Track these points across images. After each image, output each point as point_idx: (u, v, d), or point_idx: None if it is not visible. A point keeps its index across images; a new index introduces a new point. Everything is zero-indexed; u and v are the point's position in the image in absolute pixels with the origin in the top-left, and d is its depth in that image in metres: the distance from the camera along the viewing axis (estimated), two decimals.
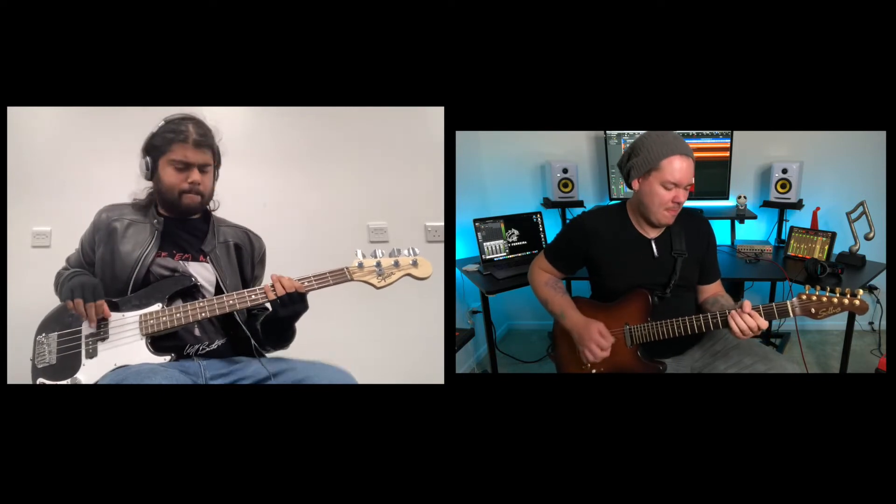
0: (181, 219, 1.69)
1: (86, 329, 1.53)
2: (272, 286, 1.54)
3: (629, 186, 1.74)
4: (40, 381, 1.50)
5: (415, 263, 1.59)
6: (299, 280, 1.55)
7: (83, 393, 1.48)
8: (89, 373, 1.49)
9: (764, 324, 1.51)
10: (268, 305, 1.65)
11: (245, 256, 1.76)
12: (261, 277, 1.82)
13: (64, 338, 1.54)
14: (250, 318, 1.73)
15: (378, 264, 1.57)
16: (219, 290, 1.65)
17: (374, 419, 1.50)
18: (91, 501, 1.42)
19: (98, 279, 1.58)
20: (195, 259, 1.67)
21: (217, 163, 1.69)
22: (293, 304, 1.55)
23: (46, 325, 1.58)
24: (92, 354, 1.51)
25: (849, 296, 1.48)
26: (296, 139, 2.47)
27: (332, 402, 1.51)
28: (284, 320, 1.60)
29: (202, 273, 1.66)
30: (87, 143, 2.39)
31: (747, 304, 1.52)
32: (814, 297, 1.50)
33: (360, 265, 1.57)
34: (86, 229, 1.72)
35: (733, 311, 1.53)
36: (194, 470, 1.44)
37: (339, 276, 1.57)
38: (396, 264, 1.59)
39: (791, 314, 1.52)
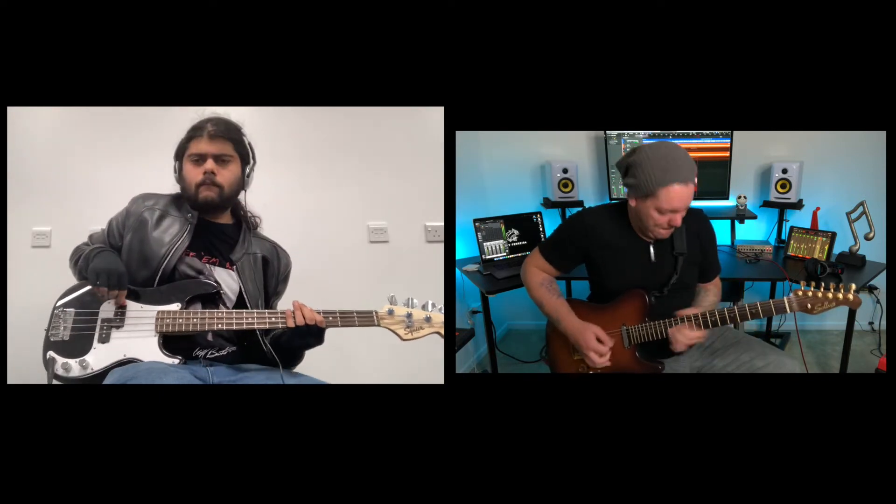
0: (213, 222, 1.68)
1: (103, 313, 1.53)
2: (293, 312, 1.52)
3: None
4: (50, 354, 1.48)
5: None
6: (323, 313, 1.54)
7: (89, 390, 1.48)
8: (98, 357, 1.48)
9: (695, 336, 1.62)
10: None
11: (271, 271, 1.74)
12: (283, 293, 1.80)
13: (81, 316, 1.52)
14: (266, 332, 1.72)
15: (409, 315, 1.57)
16: (240, 300, 1.64)
17: (374, 419, 1.50)
18: (94, 502, 1.42)
19: (122, 263, 1.55)
20: (222, 265, 1.65)
21: (245, 159, 1.68)
22: (310, 335, 1.54)
23: (66, 297, 1.55)
24: (105, 339, 1.50)
25: (843, 291, 1.53)
26: (295, 139, 2.47)
27: (332, 401, 1.51)
28: (296, 348, 1.60)
29: (226, 280, 1.64)
30: (88, 143, 2.39)
31: (681, 313, 1.63)
32: (809, 293, 1.54)
33: (391, 312, 1.57)
34: (118, 211, 1.70)
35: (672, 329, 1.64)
36: (199, 468, 1.44)
37: (367, 320, 1.56)
38: (428, 319, 1.58)
39: (788, 310, 1.55)
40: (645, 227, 1.66)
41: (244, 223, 1.74)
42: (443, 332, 1.59)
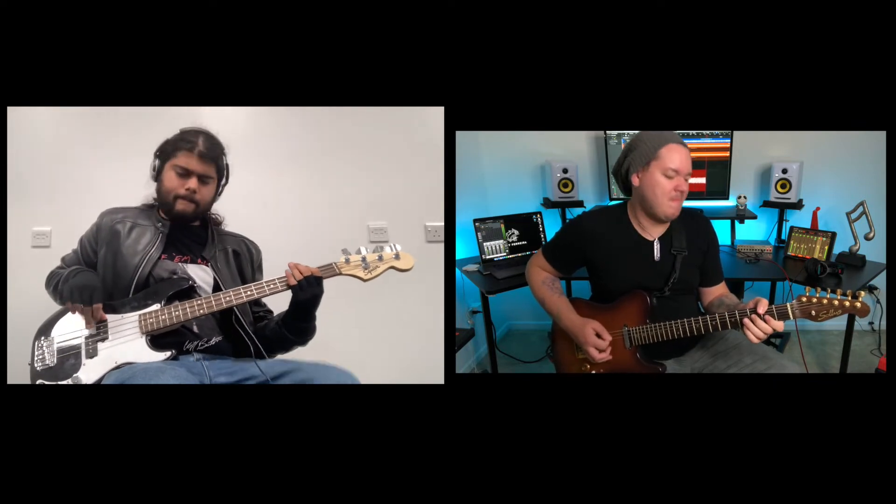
0: (183, 224, 1.71)
1: (85, 330, 1.54)
2: (290, 272, 1.58)
3: (626, 191, 1.74)
4: (39, 382, 1.51)
5: (397, 257, 1.65)
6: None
7: (88, 391, 1.48)
8: (90, 372, 1.49)
9: (780, 326, 1.48)
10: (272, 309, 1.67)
11: (244, 262, 1.80)
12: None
13: (63, 340, 1.54)
14: (256, 320, 1.76)
15: (363, 259, 1.63)
16: (216, 291, 1.66)
17: (374, 419, 1.50)
18: (94, 501, 1.42)
19: (99, 280, 1.59)
20: (193, 261, 1.69)
21: (221, 178, 1.75)
22: (311, 287, 1.59)
23: (45, 330, 1.58)
24: (92, 354, 1.51)
25: (850, 298, 1.45)
26: (295, 139, 2.47)
27: (333, 401, 1.51)
28: (306, 304, 1.62)
29: (200, 275, 1.67)
30: (87, 143, 2.39)
31: (762, 305, 1.48)
32: (814, 300, 1.46)
33: (347, 260, 1.63)
34: (87, 229, 1.73)
35: (746, 319, 1.50)
36: (198, 468, 1.44)
37: (329, 271, 1.62)
38: (380, 258, 1.65)
39: (791, 317, 1.49)
40: (654, 205, 1.66)
41: (210, 223, 1.79)
42: (398, 265, 1.65)
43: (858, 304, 1.44)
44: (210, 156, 1.68)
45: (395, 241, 1.69)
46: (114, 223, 1.68)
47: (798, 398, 1.50)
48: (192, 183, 1.66)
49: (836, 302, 1.45)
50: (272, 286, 1.59)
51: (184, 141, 1.67)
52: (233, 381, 1.55)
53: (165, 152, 1.68)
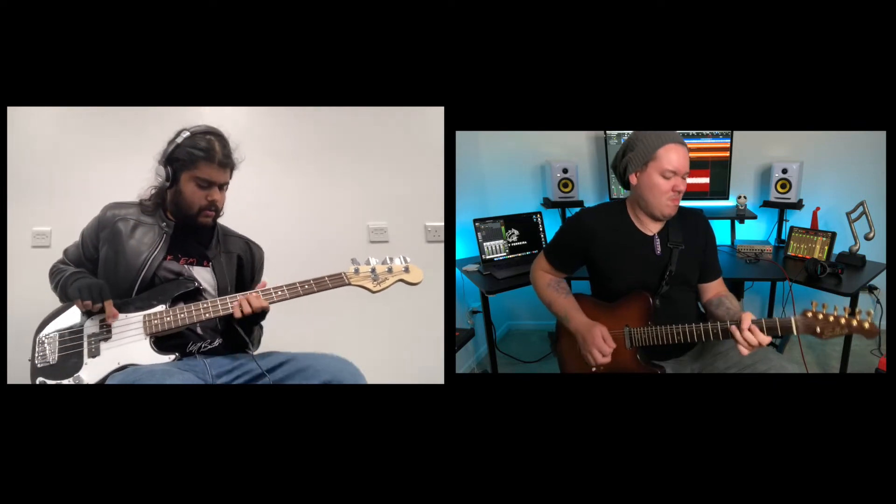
0: (190, 225, 1.70)
1: (88, 329, 1.54)
2: (239, 304, 1.56)
3: (624, 185, 1.74)
4: (40, 380, 1.50)
5: (407, 270, 1.67)
6: (300, 282, 1.60)
7: (89, 391, 1.48)
8: (92, 372, 1.49)
9: (766, 340, 1.44)
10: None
11: (245, 266, 1.79)
12: (260, 281, 1.83)
13: (65, 337, 1.54)
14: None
15: (373, 270, 1.64)
16: (221, 295, 1.66)
17: (374, 419, 1.50)
18: (94, 502, 1.42)
19: (102, 280, 1.58)
20: (199, 263, 1.68)
21: (232, 177, 1.71)
22: (259, 317, 1.61)
23: (46, 325, 1.58)
24: (94, 353, 1.51)
25: (857, 317, 1.37)
26: (296, 139, 2.47)
27: (333, 401, 1.51)
28: (255, 318, 1.62)
29: (206, 277, 1.67)
30: (87, 143, 2.39)
31: (746, 318, 1.46)
32: (820, 316, 1.40)
33: (357, 270, 1.64)
34: (89, 222, 1.71)
35: (733, 328, 1.48)
36: (199, 468, 1.44)
37: (338, 280, 1.62)
38: (390, 270, 1.65)
39: (794, 331, 1.45)
40: (651, 204, 1.66)
41: (216, 222, 1.76)
42: (407, 279, 1.66)
43: (867, 325, 1.37)
44: (227, 162, 1.63)
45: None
46: (116, 220, 1.65)
47: (798, 398, 1.50)
48: (215, 193, 1.62)
49: (843, 320, 1.37)
50: (279, 292, 1.59)
51: (201, 150, 1.59)
52: (232, 378, 1.56)
53: (181, 161, 1.60)
